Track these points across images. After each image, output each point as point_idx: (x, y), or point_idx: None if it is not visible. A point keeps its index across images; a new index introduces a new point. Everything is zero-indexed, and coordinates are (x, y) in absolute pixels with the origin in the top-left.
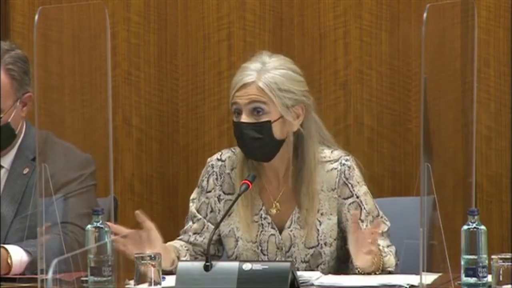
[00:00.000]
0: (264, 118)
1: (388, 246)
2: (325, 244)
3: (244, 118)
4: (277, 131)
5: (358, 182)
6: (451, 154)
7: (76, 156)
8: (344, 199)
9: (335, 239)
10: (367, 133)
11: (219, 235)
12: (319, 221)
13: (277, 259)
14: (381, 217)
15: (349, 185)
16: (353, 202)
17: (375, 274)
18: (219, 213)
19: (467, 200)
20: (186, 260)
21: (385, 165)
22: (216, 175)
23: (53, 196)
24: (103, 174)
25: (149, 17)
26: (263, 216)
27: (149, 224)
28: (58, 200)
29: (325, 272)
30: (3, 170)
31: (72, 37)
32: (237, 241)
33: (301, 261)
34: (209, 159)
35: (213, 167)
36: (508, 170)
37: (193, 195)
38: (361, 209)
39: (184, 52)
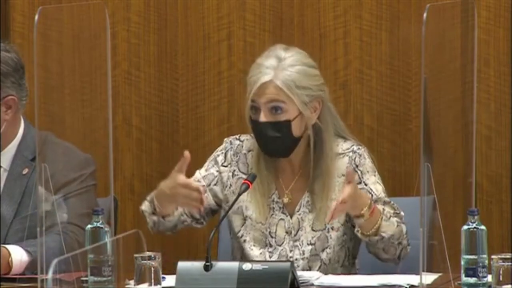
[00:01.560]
0: (283, 117)
1: (395, 217)
2: (332, 228)
3: (263, 117)
4: (296, 129)
5: (368, 171)
6: (451, 154)
7: (76, 156)
8: None
9: (342, 224)
10: (367, 133)
11: (216, 206)
12: (328, 206)
13: (284, 242)
14: (393, 204)
15: (359, 172)
16: (361, 189)
17: (368, 234)
18: (230, 187)
19: (467, 200)
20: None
21: (385, 165)
22: (234, 152)
23: (53, 196)
24: (103, 174)
25: (149, 17)
26: (275, 200)
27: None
28: (58, 200)
29: (330, 258)
30: (2, 170)
31: (72, 37)
32: (244, 220)
33: (308, 243)
34: (226, 139)
35: (231, 143)
36: (508, 170)
37: (202, 168)
38: (371, 196)
39: (184, 52)
